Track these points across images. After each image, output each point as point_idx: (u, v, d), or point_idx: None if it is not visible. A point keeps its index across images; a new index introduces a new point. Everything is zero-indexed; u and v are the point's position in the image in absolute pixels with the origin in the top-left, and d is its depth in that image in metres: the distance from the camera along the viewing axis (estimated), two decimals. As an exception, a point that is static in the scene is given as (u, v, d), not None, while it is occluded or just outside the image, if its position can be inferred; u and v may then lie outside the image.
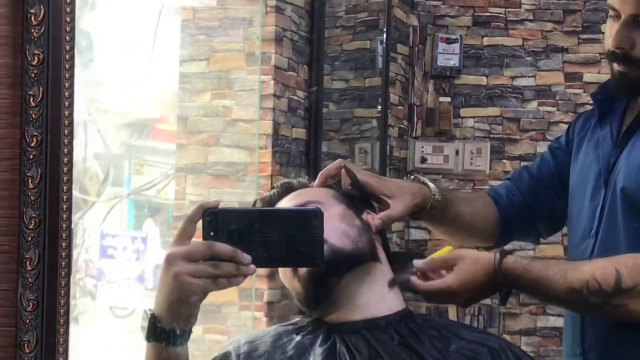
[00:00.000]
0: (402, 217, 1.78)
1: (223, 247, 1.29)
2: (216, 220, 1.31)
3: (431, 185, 1.85)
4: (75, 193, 5.26)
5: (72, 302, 5.13)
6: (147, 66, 5.30)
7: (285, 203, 1.61)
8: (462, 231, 1.99)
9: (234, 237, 1.30)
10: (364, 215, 1.65)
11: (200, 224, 1.32)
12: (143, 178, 6.08)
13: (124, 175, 6.15)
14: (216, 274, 1.29)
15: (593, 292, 1.61)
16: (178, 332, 1.32)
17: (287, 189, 1.65)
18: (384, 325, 1.53)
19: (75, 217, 5.19)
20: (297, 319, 1.63)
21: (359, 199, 1.68)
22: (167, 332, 1.31)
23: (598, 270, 1.63)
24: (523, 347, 4.75)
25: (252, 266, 1.31)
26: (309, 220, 1.34)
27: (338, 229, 1.55)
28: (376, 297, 1.56)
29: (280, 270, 1.61)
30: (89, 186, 5.64)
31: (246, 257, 1.30)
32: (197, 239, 1.31)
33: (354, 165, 1.76)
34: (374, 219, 1.66)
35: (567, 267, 1.66)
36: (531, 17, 5.05)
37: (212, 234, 1.31)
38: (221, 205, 1.33)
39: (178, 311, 1.30)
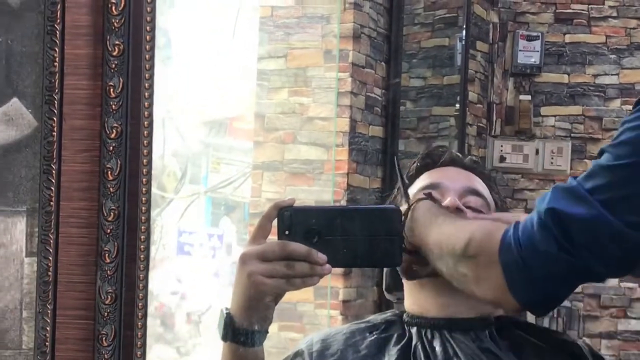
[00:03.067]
0: None
1: (297, 247, 1.26)
2: (291, 219, 1.28)
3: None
4: (153, 190, 5.31)
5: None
6: (225, 64, 5.34)
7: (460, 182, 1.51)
8: None
9: (310, 236, 1.27)
10: None
11: (276, 222, 1.30)
12: (220, 176, 6.11)
13: (202, 173, 6.19)
14: (290, 274, 1.26)
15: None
16: (253, 332, 1.29)
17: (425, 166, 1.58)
18: (466, 327, 1.49)
19: (153, 214, 5.25)
20: (370, 316, 1.60)
21: None
22: (242, 332, 1.29)
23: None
24: (603, 351, 4.67)
25: (328, 266, 1.27)
26: (388, 218, 1.30)
27: None
28: (464, 300, 1.51)
29: None
30: (166, 183, 5.69)
31: (321, 257, 1.26)
32: (274, 237, 1.29)
33: None
34: None
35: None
36: (615, 14, 4.95)
37: (287, 232, 1.27)
38: (297, 204, 1.30)
39: (252, 311, 1.28)
